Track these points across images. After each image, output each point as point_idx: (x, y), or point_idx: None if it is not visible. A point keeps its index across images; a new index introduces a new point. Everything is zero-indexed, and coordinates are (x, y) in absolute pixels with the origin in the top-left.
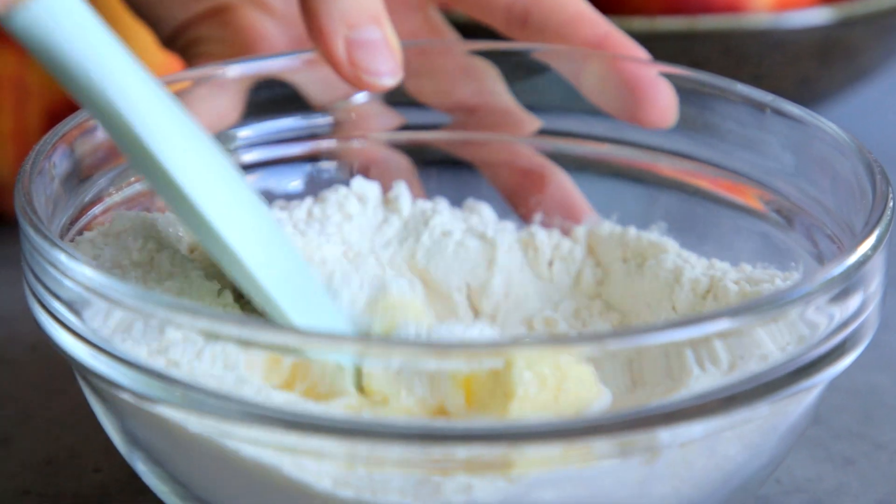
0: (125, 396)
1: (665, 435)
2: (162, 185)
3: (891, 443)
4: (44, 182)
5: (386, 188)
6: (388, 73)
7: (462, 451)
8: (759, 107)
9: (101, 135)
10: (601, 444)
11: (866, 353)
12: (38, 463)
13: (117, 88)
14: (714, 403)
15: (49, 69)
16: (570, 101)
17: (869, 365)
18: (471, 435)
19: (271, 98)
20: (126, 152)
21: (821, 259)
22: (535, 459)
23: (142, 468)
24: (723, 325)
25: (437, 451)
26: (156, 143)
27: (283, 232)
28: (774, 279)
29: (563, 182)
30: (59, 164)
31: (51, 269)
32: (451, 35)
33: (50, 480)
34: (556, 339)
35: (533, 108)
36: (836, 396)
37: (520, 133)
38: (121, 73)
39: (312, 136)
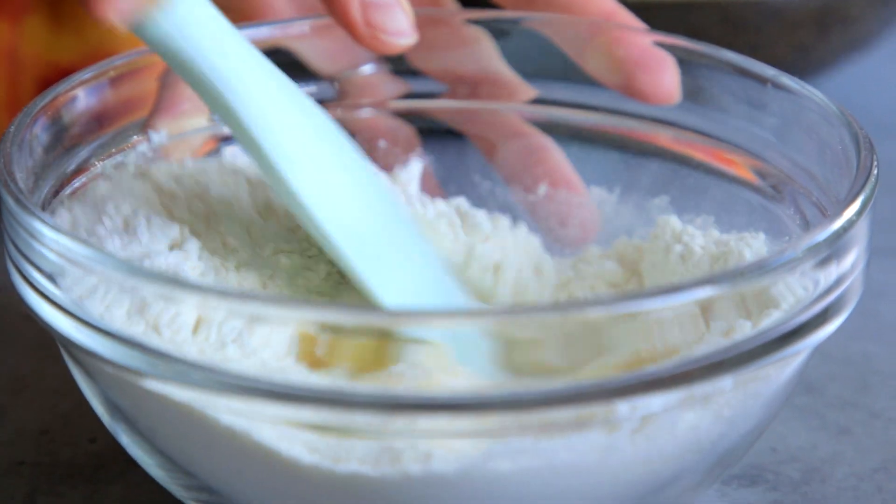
0: (105, 367)
1: (623, 408)
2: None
3: (885, 411)
4: (25, 152)
5: (391, 158)
6: (405, 33)
7: (423, 422)
8: (754, 77)
9: (83, 104)
10: (557, 416)
11: (860, 321)
12: (33, 433)
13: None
14: (678, 375)
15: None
16: (563, 71)
17: (862, 334)
18: (430, 405)
19: (277, 65)
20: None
21: (808, 228)
22: (490, 429)
23: (126, 440)
24: (705, 292)
25: (399, 421)
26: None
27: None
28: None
29: (556, 156)
30: (41, 134)
31: (30, 239)
32: (450, 4)
33: (44, 450)
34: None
35: (527, 76)
36: (829, 365)
37: (514, 102)
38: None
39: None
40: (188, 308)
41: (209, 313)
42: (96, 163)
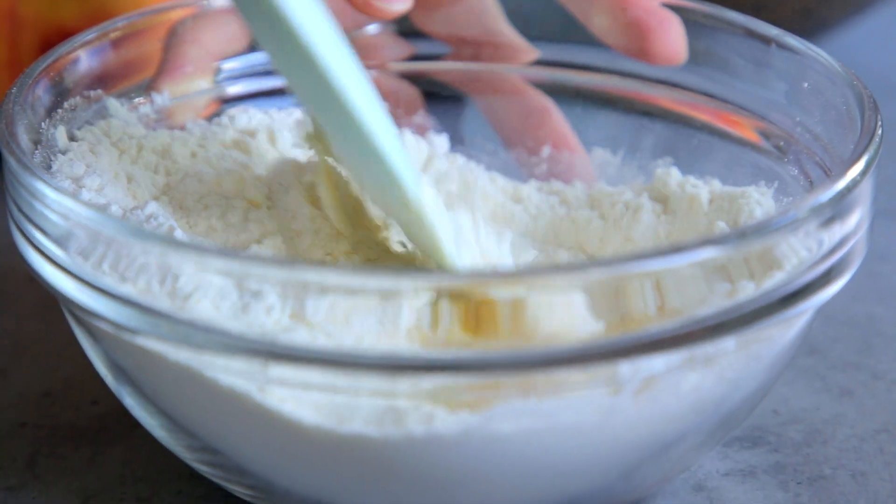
0: (107, 328)
1: (625, 368)
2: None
3: (888, 372)
4: (27, 113)
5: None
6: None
7: (427, 382)
8: (758, 38)
9: (86, 65)
10: (559, 376)
11: (863, 283)
12: (36, 395)
13: None
14: (680, 336)
15: None
16: (567, 32)
17: (866, 296)
18: (433, 365)
19: None
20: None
21: (812, 189)
22: (497, 390)
23: (129, 402)
24: (709, 253)
25: (404, 382)
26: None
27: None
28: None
29: (557, 117)
30: (43, 95)
31: (32, 200)
32: None
33: (47, 412)
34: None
35: (531, 38)
36: (833, 327)
37: (518, 63)
38: None
39: None
40: (191, 269)
41: (211, 274)
42: (98, 123)
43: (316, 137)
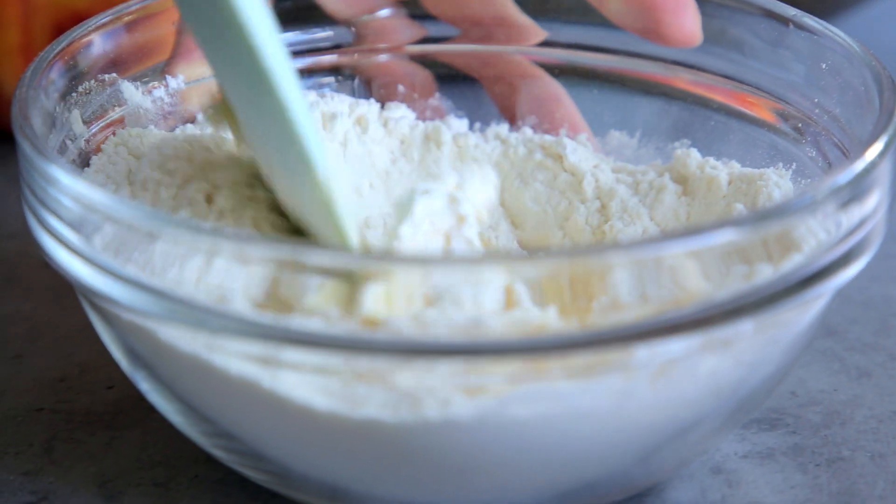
0: (122, 314)
1: (642, 352)
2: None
3: None
4: (41, 97)
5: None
6: None
7: (441, 367)
8: (774, 18)
9: (100, 49)
10: (575, 361)
11: (881, 264)
12: (51, 380)
13: None
14: (698, 320)
15: None
16: (583, 13)
17: (883, 276)
18: (448, 350)
19: (294, 10)
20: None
21: (831, 170)
22: (508, 374)
23: (145, 387)
24: (728, 235)
25: (418, 365)
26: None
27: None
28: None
29: (566, 102)
30: (57, 79)
31: (47, 185)
32: None
33: (63, 397)
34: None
35: (547, 19)
36: (850, 308)
37: (524, 44)
38: None
39: (336, 48)
40: (206, 254)
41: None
42: (112, 107)
43: (222, 113)
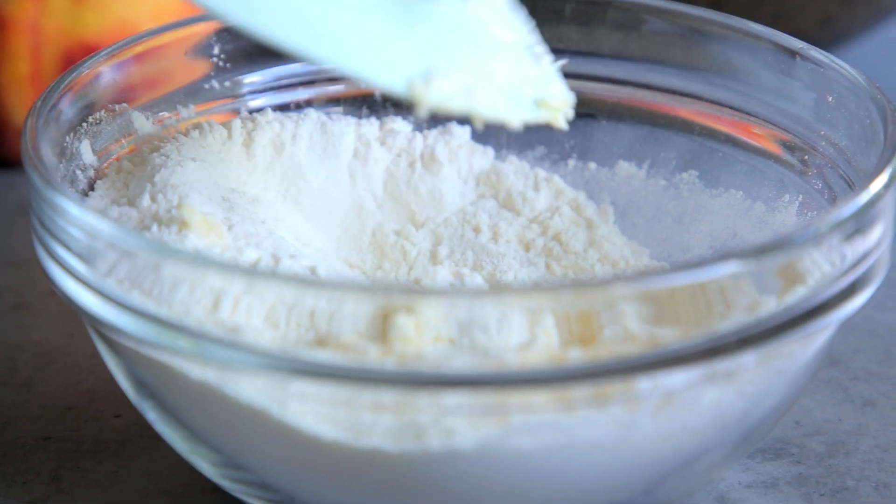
0: (129, 343)
1: (644, 384)
2: None
3: None
4: (51, 128)
5: None
6: None
7: (446, 398)
8: (781, 50)
9: (109, 79)
10: (578, 392)
11: (886, 293)
12: (59, 408)
13: None
14: (701, 352)
15: None
16: (589, 45)
17: (888, 305)
18: (452, 381)
19: None
20: None
21: (836, 202)
22: (513, 405)
23: (152, 416)
24: (732, 268)
25: (424, 398)
26: None
27: None
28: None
29: None
30: (66, 109)
31: (55, 216)
32: None
33: (71, 426)
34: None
35: (554, 50)
36: (854, 337)
37: None
38: None
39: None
40: (215, 286)
41: (236, 292)
42: (121, 138)
43: None
